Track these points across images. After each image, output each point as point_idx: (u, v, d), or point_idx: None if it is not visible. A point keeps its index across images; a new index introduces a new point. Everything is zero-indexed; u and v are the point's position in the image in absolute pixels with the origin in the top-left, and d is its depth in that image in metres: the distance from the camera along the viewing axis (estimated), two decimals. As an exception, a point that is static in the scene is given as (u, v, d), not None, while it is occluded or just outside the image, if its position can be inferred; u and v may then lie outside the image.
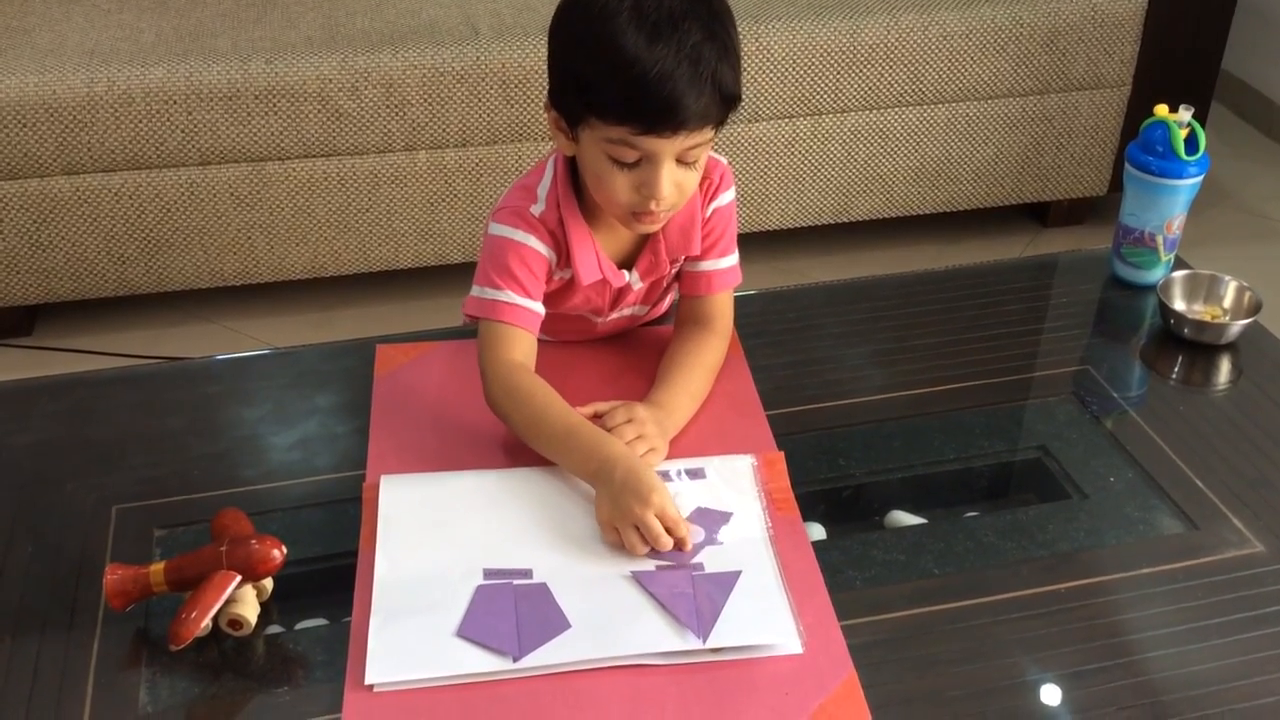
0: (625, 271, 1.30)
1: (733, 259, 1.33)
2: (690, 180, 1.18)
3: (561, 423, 1.17)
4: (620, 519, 1.09)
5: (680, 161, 1.15)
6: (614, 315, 1.35)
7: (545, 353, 1.27)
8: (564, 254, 1.26)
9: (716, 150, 1.25)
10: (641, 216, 1.19)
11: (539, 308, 1.25)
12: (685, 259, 1.32)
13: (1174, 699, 0.99)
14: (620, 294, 1.32)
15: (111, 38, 2.40)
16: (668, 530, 1.08)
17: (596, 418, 1.20)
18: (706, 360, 1.29)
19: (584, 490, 1.15)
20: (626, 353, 1.36)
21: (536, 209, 1.25)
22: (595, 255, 1.26)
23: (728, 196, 1.31)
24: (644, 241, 1.30)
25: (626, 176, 1.15)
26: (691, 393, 1.26)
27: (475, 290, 1.26)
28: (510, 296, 1.23)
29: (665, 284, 1.36)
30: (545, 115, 1.21)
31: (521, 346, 1.23)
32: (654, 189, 1.15)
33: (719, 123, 1.15)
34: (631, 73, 1.08)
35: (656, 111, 1.10)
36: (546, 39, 1.19)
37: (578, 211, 1.25)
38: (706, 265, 1.32)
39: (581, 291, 1.29)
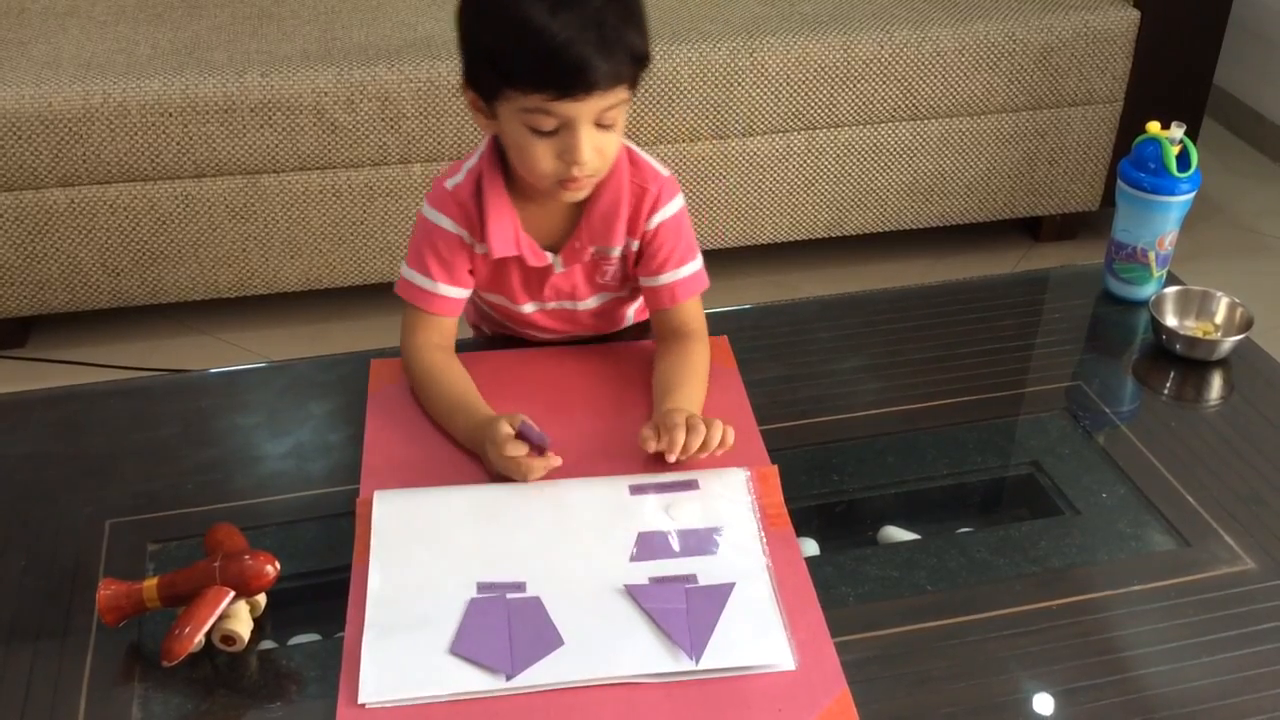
0: (549, 253, 1.31)
1: (694, 265, 1.34)
2: (610, 144, 1.21)
3: (454, 397, 1.25)
4: (490, 465, 1.20)
5: (599, 125, 1.18)
6: (552, 305, 1.36)
7: (535, 364, 1.27)
8: (478, 228, 1.28)
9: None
10: (567, 184, 1.22)
11: (458, 292, 1.31)
12: (642, 275, 1.33)
13: (1165, 716, 0.99)
14: (543, 276, 1.33)
15: (108, 50, 2.41)
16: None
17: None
18: (696, 365, 1.31)
19: (577, 504, 1.16)
20: (619, 368, 1.36)
21: (452, 182, 1.29)
22: (513, 229, 1.28)
23: (671, 208, 1.32)
24: (571, 227, 1.31)
25: (547, 145, 1.18)
26: (695, 401, 1.27)
27: (404, 269, 1.32)
28: (423, 281, 1.30)
29: (613, 291, 1.37)
30: (462, 97, 1.24)
31: (439, 329, 1.31)
32: (575, 154, 1.18)
33: (632, 83, 1.19)
34: (539, 40, 1.12)
35: (567, 75, 1.13)
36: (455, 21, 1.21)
37: (501, 186, 1.27)
38: (667, 277, 1.33)
39: (513, 273, 1.32)
